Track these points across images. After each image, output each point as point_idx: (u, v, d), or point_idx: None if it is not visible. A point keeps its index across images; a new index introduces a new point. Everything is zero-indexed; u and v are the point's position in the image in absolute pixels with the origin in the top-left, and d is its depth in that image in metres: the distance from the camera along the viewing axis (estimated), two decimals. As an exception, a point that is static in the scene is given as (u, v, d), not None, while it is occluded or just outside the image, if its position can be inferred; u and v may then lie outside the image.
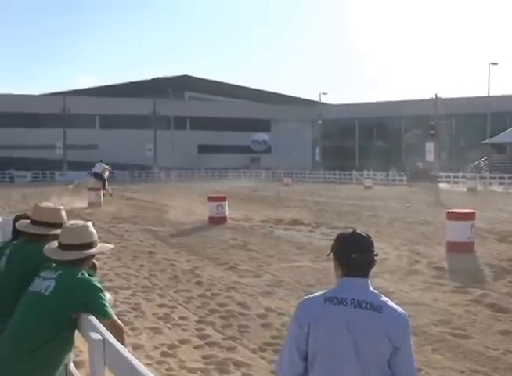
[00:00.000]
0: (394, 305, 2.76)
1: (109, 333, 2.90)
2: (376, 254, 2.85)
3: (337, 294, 2.76)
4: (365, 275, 2.81)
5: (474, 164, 57.61)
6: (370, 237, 2.87)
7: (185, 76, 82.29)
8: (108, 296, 3.57)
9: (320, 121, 75.00)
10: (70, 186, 32.38)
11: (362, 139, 79.98)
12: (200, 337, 7.18)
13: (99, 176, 31.28)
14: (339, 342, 2.69)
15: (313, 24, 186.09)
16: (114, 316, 3.48)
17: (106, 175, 31.87)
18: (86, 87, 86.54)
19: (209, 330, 7.44)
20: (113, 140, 69.87)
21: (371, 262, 2.83)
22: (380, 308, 2.69)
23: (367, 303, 2.70)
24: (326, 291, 2.87)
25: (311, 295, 2.90)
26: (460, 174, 49.18)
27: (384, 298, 2.77)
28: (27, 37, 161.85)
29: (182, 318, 8.05)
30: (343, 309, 2.71)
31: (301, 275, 10.85)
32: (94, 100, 73.28)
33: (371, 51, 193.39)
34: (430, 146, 50.02)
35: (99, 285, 3.51)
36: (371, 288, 2.79)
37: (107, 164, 32.63)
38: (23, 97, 72.90)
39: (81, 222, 3.83)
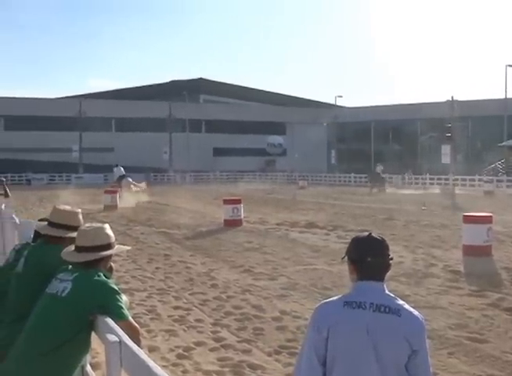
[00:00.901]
0: (411, 309, 2.76)
1: (125, 335, 2.91)
2: (391, 258, 2.84)
3: (356, 298, 2.76)
4: (380, 278, 2.80)
5: (491, 166, 57.18)
6: (385, 241, 2.86)
7: (201, 79, 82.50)
8: (124, 298, 3.59)
9: (335, 124, 74.91)
10: (134, 189, 34.35)
11: (378, 141, 79.67)
12: (215, 339, 7.19)
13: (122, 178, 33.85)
14: (359, 346, 2.69)
15: (329, 26, 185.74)
16: (131, 318, 3.50)
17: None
18: (102, 90, 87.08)
19: (224, 333, 7.45)
20: (129, 143, 70.22)
21: (386, 266, 2.83)
22: (398, 311, 2.70)
23: (386, 307, 2.70)
24: (342, 295, 2.87)
25: (329, 300, 2.90)
26: (477, 177, 48.82)
27: (401, 302, 2.77)
28: (42, 40, 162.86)
29: (197, 320, 8.07)
30: (362, 313, 2.71)
31: (316, 278, 10.83)
32: (110, 103, 73.69)
33: (387, 53, 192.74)
34: (446, 149, 49.49)
35: (116, 287, 3.52)
36: (387, 292, 2.79)
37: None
38: (39, 100, 73.47)
39: (96, 225, 3.85)
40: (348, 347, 2.71)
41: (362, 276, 2.81)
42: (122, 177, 34.53)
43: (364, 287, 2.79)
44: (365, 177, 53.60)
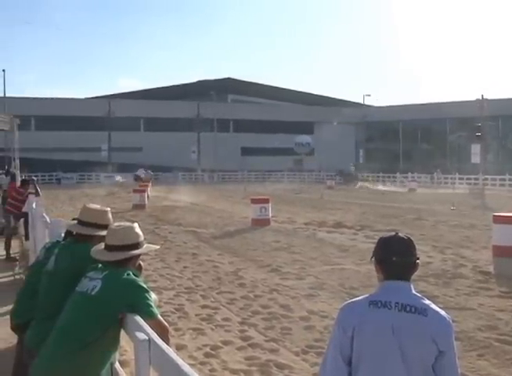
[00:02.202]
0: (438, 309, 2.73)
1: (154, 333, 2.93)
2: (418, 258, 2.82)
3: (381, 298, 2.75)
4: (406, 278, 2.78)
5: (523, 166, 56.38)
6: (412, 240, 2.84)
7: (229, 79, 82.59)
8: (153, 296, 3.61)
9: (363, 123, 74.51)
10: None
11: (406, 141, 79.05)
12: (242, 338, 7.21)
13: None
14: (384, 346, 2.67)
15: (357, 25, 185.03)
16: (159, 316, 3.52)
17: None
18: (130, 90, 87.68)
19: (252, 332, 7.47)
20: (157, 143, 70.60)
21: (412, 266, 2.80)
22: (424, 311, 2.67)
23: (411, 306, 2.68)
24: (368, 294, 2.85)
25: (354, 299, 2.89)
26: (507, 176, 48.18)
27: (428, 302, 2.74)
28: (72, 40, 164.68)
29: (224, 319, 8.10)
30: (388, 312, 2.69)
31: (344, 278, 10.79)
32: (138, 103, 74.16)
33: (415, 51, 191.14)
34: (476, 149, 49.02)
35: (145, 285, 3.55)
36: (414, 291, 2.77)
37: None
38: (69, 101, 74.27)
39: (126, 224, 3.88)
40: (373, 347, 2.69)
41: (388, 275, 2.79)
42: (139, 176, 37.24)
43: (390, 287, 2.77)
44: (336, 175, 57.43)
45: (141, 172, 39.88)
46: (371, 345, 2.70)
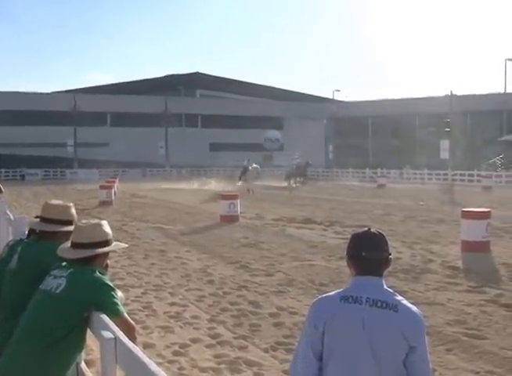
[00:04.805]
0: (410, 305, 2.76)
1: (120, 331, 2.91)
2: (390, 254, 2.84)
3: (352, 293, 2.76)
4: (378, 274, 2.80)
5: (490, 161, 57.22)
6: (384, 236, 2.86)
7: (197, 73, 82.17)
8: (120, 294, 3.58)
9: (333, 119, 74.91)
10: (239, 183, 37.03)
11: (376, 136, 79.65)
12: (211, 336, 7.20)
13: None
14: (355, 341, 2.69)
15: (326, 20, 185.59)
16: (126, 314, 3.50)
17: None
18: (97, 84, 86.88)
19: (220, 329, 7.47)
20: (125, 138, 69.93)
21: (384, 261, 2.82)
22: (395, 307, 2.69)
23: (382, 302, 2.70)
24: (340, 290, 2.87)
25: (326, 294, 2.90)
26: (476, 172, 48.88)
27: (399, 297, 2.77)
28: (36, 33, 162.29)
29: (193, 317, 8.08)
30: (359, 307, 2.71)
31: (313, 274, 10.84)
32: (105, 98, 73.42)
33: (385, 47, 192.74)
34: (445, 144, 49.56)
35: (111, 283, 3.52)
36: (386, 287, 2.79)
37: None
38: (33, 95, 73.22)
39: (94, 221, 3.84)
40: (344, 342, 2.71)
41: (360, 271, 2.81)
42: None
43: (361, 282, 2.79)
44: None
45: (249, 164, 38.48)
46: (341, 340, 2.72)
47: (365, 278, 2.79)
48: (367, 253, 2.78)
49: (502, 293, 9.16)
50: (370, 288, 2.76)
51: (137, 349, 2.66)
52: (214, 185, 39.45)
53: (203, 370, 6.10)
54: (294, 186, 42.40)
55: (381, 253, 2.81)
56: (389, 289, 2.80)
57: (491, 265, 11.53)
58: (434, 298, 8.90)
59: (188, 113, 76.65)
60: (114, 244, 3.81)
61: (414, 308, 2.76)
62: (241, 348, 6.75)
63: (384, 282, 2.81)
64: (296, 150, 68.47)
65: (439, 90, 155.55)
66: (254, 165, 38.76)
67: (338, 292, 2.84)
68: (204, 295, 9.32)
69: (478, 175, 47.03)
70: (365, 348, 2.67)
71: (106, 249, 3.70)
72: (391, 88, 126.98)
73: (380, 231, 2.89)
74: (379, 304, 2.70)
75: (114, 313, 3.34)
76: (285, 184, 41.84)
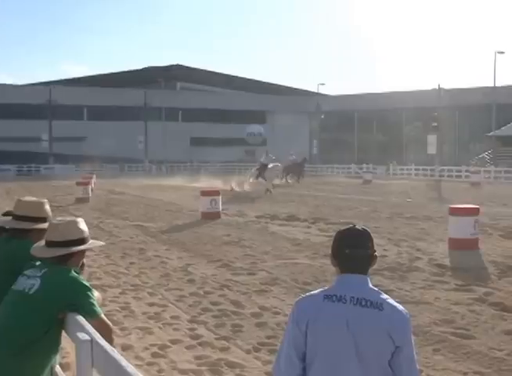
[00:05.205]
0: (395, 303, 2.76)
1: (97, 333, 2.89)
2: (375, 251, 2.85)
3: (336, 292, 2.77)
4: (363, 271, 2.80)
5: (479, 157, 57.66)
6: (368, 233, 2.86)
7: (177, 65, 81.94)
8: (96, 294, 3.57)
9: (322, 116, 75.08)
10: (251, 179, 33.69)
11: (362, 131, 79.95)
12: (192, 337, 7.18)
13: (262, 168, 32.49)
14: (339, 341, 2.69)
15: (311, 12, 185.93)
16: (103, 315, 3.48)
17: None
18: (73, 76, 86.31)
19: (201, 330, 7.45)
20: (102, 132, 69.57)
21: (368, 258, 2.82)
22: (380, 305, 2.70)
23: (367, 300, 2.70)
24: (323, 288, 2.87)
25: (309, 293, 2.90)
26: (464, 168, 49.21)
27: (385, 296, 2.77)
28: (10, 24, 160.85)
29: (173, 317, 8.06)
30: (342, 306, 2.71)
31: (297, 272, 10.85)
32: (81, 90, 72.94)
33: (372, 40, 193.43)
34: (432, 139, 49.85)
35: (87, 283, 3.50)
36: (371, 285, 2.79)
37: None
38: (6, 87, 72.62)
39: (69, 218, 3.82)
40: (328, 342, 2.71)
41: (344, 269, 2.81)
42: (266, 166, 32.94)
43: (345, 281, 2.79)
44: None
45: (268, 159, 33.82)
46: (325, 340, 2.71)
47: (349, 276, 2.79)
48: (351, 250, 2.78)
49: (491, 291, 9.22)
50: (355, 287, 2.76)
51: (114, 351, 2.65)
52: (211, 182, 36.41)
53: (183, 372, 6.08)
54: (290, 182, 41.62)
55: (365, 250, 2.81)
56: (374, 287, 2.80)
57: (479, 263, 11.60)
58: (421, 297, 8.95)
59: (168, 107, 76.42)
60: (91, 242, 3.79)
61: (400, 307, 2.76)
62: (223, 349, 6.74)
63: (369, 280, 2.81)
64: (279, 144, 68.60)
65: (427, 84, 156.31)
66: (275, 164, 34.76)
67: (322, 291, 2.84)
68: (185, 295, 9.30)
69: (466, 171, 47.32)
70: (349, 348, 2.67)
71: (81, 247, 3.68)
72: (377, 81, 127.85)
73: (365, 228, 2.89)
74: (363, 303, 2.70)
75: (91, 314, 3.33)
76: (279, 182, 40.81)
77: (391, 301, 2.75)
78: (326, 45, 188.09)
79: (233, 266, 11.55)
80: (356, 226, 2.89)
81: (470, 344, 6.81)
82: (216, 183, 33.49)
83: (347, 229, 2.88)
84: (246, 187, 31.94)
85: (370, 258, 2.83)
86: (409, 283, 9.93)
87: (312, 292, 2.90)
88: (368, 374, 2.67)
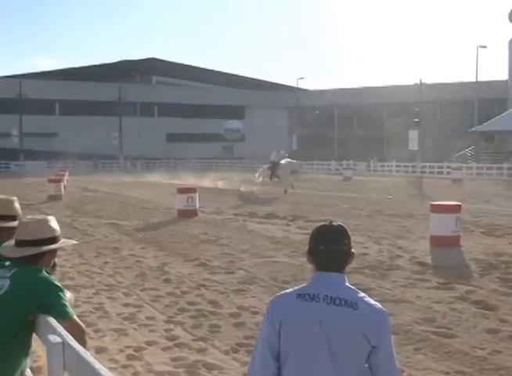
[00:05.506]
0: (372, 302, 2.75)
1: (69, 335, 2.87)
2: (351, 247, 2.84)
3: (310, 291, 2.77)
4: (338, 269, 2.80)
5: (461, 153, 58.12)
6: (344, 229, 2.85)
7: (153, 59, 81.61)
8: (68, 295, 3.54)
9: (297, 108, 75.22)
10: (260, 178, 31.13)
11: (342, 126, 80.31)
12: (168, 338, 7.16)
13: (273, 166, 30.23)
14: (311, 341, 2.69)
15: (290, 5, 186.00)
16: (75, 316, 3.45)
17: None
18: (45, 69, 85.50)
19: (178, 331, 7.43)
20: (75, 128, 69.21)
21: (343, 256, 2.81)
22: (355, 304, 2.68)
23: (341, 299, 2.69)
24: (299, 286, 2.87)
25: (283, 292, 2.91)
26: (445, 164, 49.57)
27: (362, 294, 2.76)
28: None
29: (148, 318, 8.03)
30: (315, 305, 2.71)
31: (275, 271, 10.87)
32: (53, 84, 72.39)
33: (352, 34, 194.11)
34: (413, 135, 50.29)
35: (59, 283, 3.47)
36: (347, 284, 2.79)
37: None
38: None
39: (39, 216, 3.78)
40: (300, 341, 2.71)
41: (319, 266, 2.81)
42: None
43: (320, 279, 2.79)
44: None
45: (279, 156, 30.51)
46: (298, 340, 2.72)
47: (324, 274, 2.79)
48: (325, 247, 2.78)
49: (473, 289, 9.30)
50: (330, 285, 2.76)
51: (87, 354, 2.63)
52: (191, 180, 34.91)
53: (159, 374, 6.07)
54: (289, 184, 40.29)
55: (341, 247, 2.80)
56: (351, 286, 2.80)
57: (461, 261, 11.68)
58: (402, 296, 9.00)
59: (143, 102, 76.19)
60: (62, 240, 3.76)
61: (377, 305, 2.75)
62: (200, 350, 6.73)
63: (345, 278, 2.81)
64: (258, 140, 68.69)
65: (408, 78, 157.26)
66: (287, 160, 30.96)
67: (296, 289, 2.84)
68: (161, 295, 9.27)
69: (448, 167, 47.69)
70: (322, 349, 2.67)
71: (52, 246, 3.65)
72: (358, 76, 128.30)
73: (342, 224, 2.88)
74: (337, 301, 2.69)
75: (62, 316, 3.30)
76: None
77: (367, 299, 2.74)
78: (306, 39, 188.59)
79: (211, 265, 11.54)
80: (332, 223, 2.89)
81: (452, 343, 6.87)
82: (201, 181, 33.35)
83: (323, 225, 2.88)
84: (254, 188, 29.61)
85: (347, 256, 2.82)
86: (390, 281, 9.98)
87: (287, 290, 2.90)
88: (342, 373, 2.67)
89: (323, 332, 2.66)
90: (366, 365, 2.70)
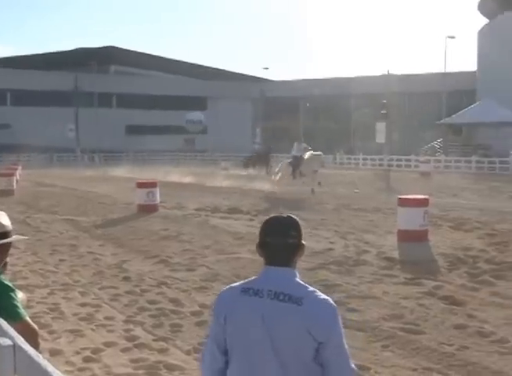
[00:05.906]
0: (321, 296, 2.72)
1: (20, 337, 2.83)
2: (301, 240, 2.82)
3: (254, 285, 2.77)
4: (285, 263, 2.77)
5: (429, 146, 58.78)
6: (293, 220, 2.83)
7: (111, 47, 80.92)
8: (20, 295, 3.50)
9: (261, 99, 75.31)
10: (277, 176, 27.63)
11: (308, 118, 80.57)
12: (127, 338, 7.13)
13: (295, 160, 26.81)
14: (254, 338, 2.70)
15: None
16: (27, 318, 3.41)
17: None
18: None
19: (138, 331, 7.40)
20: (28, 119, 68.22)
21: (291, 248, 2.78)
22: (300, 300, 2.66)
23: (285, 295, 2.68)
24: (247, 280, 2.87)
25: (230, 286, 2.91)
26: (413, 157, 50.08)
27: (310, 289, 2.74)
28: None
29: (107, 318, 7.99)
30: (259, 301, 2.71)
31: (239, 268, 10.90)
32: (5, 72, 71.31)
33: (318, 22, 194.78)
34: (381, 127, 50.73)
35: (9, 283, 3.43)
36: (297, 279, 2.77)
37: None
38: None
39: (-13, 211, 3.72)
40: (243, 337, 2.73)
41: (267, 259, 2.80)
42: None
43: (267, 273, 2.78)
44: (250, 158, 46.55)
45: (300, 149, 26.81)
46: (241, 335, 2.74)
47: (272, 269, 2.77)
48: (272, 239, 2.76)
49: (441, 285, 9.42)
50: (276, 280, 2.74)
51: (39, 357, 2.59)
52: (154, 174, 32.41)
53: (118, 376, 6.04)
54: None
55: (288, 239, 2.77)
56: (300, 281, 2.77)
57: (428, 256, 11.82)
58: (369, 292, 9.08)
59: (101, 92, 75.58)
60: (14, 236, 3.70)
61: (326, 301, 2.71)
62: (161, 351, 6.71)
63: (295, 273, 2.79)
64: (221, 132, 68.62)
65: (376, 69, 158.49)
66: (312, 152, 27.56)
67: (242, 283, 2.85)
68: (120, 294, 9.22)
69: (416, 160, 48.19)
70: (265, 346, 2.67)
71: (2, 241, 3.59)
72: (324, 66, 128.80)
73: (292, 216, 2.86)
74: (281, 297, 2.68)
75: (13, 317, 3.25)
76: (244, 172, 39.51)
77: (315, 295, 2.72)
78: (272, 28, 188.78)
79: (171, 262, 11.52)
80: (282, 214, 2.89)
81: (420, 339, 6.96)
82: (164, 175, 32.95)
83: (271, 217, 2.88)
84: (275, 187, 26.82)
85: (295, 248, 2.80)
86: (357, 277, 10.06)
87: (233, 285, 2.89)
88: (286, 369, 2.66)
89: (266, 328, 2.67)
90: (315, 362, 2.68)
